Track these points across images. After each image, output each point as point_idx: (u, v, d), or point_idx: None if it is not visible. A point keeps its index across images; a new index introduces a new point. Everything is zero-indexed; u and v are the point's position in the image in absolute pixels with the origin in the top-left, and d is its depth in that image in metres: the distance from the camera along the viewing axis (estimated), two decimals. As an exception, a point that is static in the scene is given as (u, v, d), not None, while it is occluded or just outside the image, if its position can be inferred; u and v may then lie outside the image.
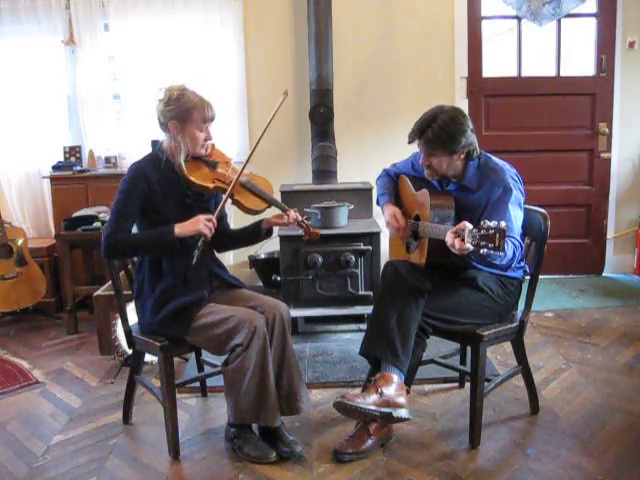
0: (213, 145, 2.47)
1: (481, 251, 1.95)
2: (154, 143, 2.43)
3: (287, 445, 2.33)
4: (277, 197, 3.63)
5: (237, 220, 2.57)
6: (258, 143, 2.39)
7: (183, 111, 2.32)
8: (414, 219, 2.55)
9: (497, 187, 2.34)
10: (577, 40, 4.60)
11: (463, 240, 2.00)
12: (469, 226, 2.00)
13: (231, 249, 2.74)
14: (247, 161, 2.40)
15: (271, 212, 2.50)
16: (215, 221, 2.32)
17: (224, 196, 2.37)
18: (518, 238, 2.28)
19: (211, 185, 2.39)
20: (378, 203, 2.79)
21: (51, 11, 4.24)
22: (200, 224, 2.28)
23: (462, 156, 2.40)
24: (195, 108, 2.32)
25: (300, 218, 2.50)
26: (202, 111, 2.34)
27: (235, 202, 2.43)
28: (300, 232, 2.57)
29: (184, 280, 2.39)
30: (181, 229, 2.28)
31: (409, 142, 2.44)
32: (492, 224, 1.94)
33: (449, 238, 2.06)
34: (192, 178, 2.35)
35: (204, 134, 2.38)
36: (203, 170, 2.41)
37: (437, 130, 2.31)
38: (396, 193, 2.74)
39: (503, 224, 1.94)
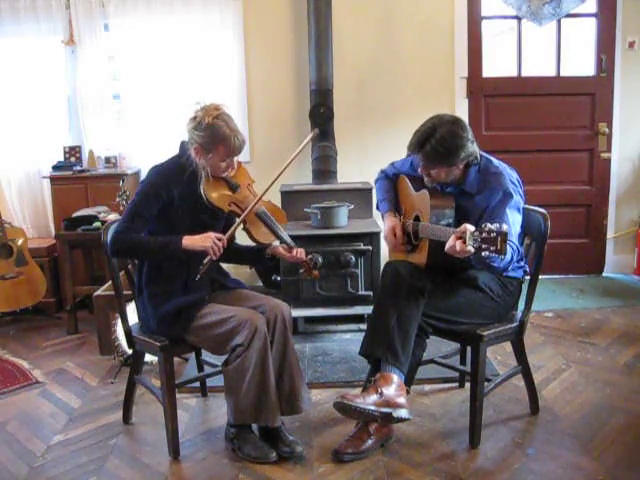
0: (239, 163, 2.45)
1: (482, 254, 1.95)
2: (182, 145, 2.40)
3: (287, 445, 2.33)
4: (277, 198, 3.67)
5: (240, 238, 2.58)
6: (279, 176, 2.38)
7: (210, 142, 2.28)
8: (414, 219, 2.55)
9: (497, 192, 2.33)
10: (577, 40, 4.60)
11: (465, 242, 2.00)
12: (470, 228, 2.01)
13: (232, 262, 2.74)
14: (265, 192, 2.37)
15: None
16: (225, 242, 2.30)
17: (237, 221, 2.36)
18: (516, 242, 2.29)
19: (227, 208, 2.38)
20: (378, 208, 2.79)
21: (51, 11, 4.24)
22: (209, 242, 2.26)
23: (461, 166, 2.39)
24: (223, 143, 2.27)
25: (305, 258, 2.49)
26: (229, 146, 2.27)
27: (245, 229, 2.42)
28: (301, 270, 2.57)
29: (184, 284, 2.39)
30: (189, 242, 2.26)
31: (409, 154, 2.43)
32: (494, 227, 1.94)
33: (451, 241, 2.06)
34: (209, 197, 2.34)
35: (225, 164, 2.34)
36: (222, 191, 2.38)
37: (436, 146, 2.29)
38: (395, 194, 2.74)
39: (505, 227, 1.94)
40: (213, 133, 2.27)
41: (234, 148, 2.30)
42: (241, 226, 2.40)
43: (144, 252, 2.34)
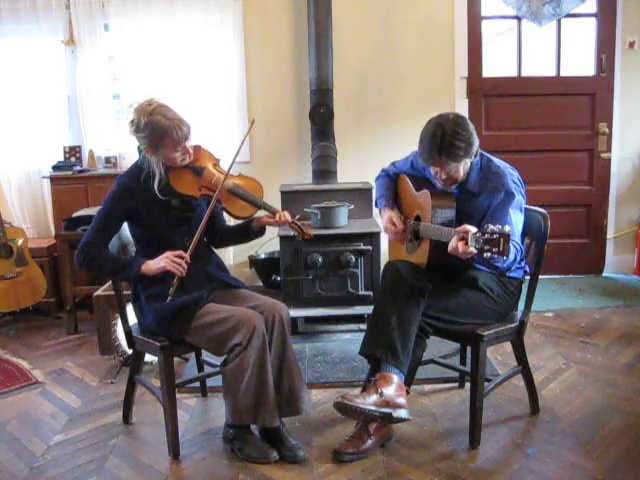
0: (199, 147, 2.43)
1: (485, 255, 1.95)
2: (140, 150, 2.40)
3: (289, 450, 2.33)
4: (277, 198, 3.67)
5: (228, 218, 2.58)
6: (237, 155, 2.39)
7: (154, 139, 2.28)
8: (415, 219, 2.55)
9: (499, 192, 2.33)
10: (577, 40, 4.60)
11: (467, 244, 2.00)
12: (472, 229, 2.01)
13: (227, 245, 2.76)
14: (230, 168, 2.37)
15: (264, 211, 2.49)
16: (188, 257, 2.29)
17: (208, 209, 2.34)
18: (519, 241, 2.29)
19: (197, 194, 2.37)
20: (376, 205, 2.79)
21: (51, 11, 4.24)
22: (164, 262, 2.28)
23: (473, 156, 2.38)
24: (165, 135, 2.26)
25: (290, 219, 2.47)
26: (172, 136, 2.26)
27: (223, 209, 2.42)
28: (293, 233, 2.55)
29: (181, 283, 2.38)
30: (147, 267, 2.30)
31: (427, 164, 2.38)
32: (496, 228, 1.94)
33: (454, 242, 2.06)
34: (177, 188, 2.34)
35: (180, 153, 2.33)
36: (188, 178, 2.37)
37: (453, 141, 2.25)
38: (396, 193, 2.74)
39: (507, 228, 1.94)
40: (153, 130, 2.27)
41: (178, 137, 2.28)
42: (219, 207, 2.40)
43: (104, 271, 2.40)
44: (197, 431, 2.60)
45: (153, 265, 2.30)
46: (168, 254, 2.29)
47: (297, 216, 2.54)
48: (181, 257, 2.29)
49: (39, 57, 4.37)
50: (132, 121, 2.31)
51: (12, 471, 2.32)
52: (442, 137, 2.26)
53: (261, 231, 2.57)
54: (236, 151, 2.40)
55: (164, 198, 2.33)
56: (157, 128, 2.26)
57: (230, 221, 2.67)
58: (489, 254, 1.95)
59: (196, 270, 2.39)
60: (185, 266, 2.29)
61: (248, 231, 2.57)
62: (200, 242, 2.39)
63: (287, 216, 2.46)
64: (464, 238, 2.02)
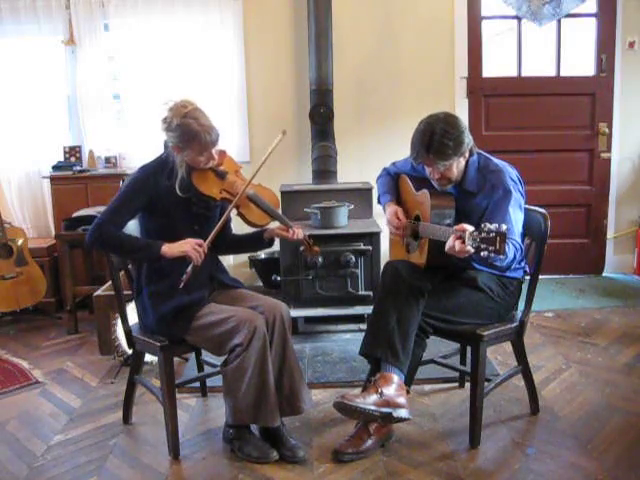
0: (224, 152, 2.46)
1: (481, 254, 1.96)
2: (165, 144, 2.43)
3: (289, 450, 2.33)
4: (277, 197, 3.66)
5: (238, 225, 2.58)
6: (262, 165, 2.39)
7: (183, 141, 2.30)
8: (414, 219, 2.55)
9: (497, 189, 2.33)
10: (577, 40, 4.60)
11: (464, 242, 2.00)
12: (470, 228, 2.01)
13: (232, 253, 2.77)
14: (254, 175, 2.40)
15: (275, 222, 2.52)
16: (206, 247, 2.31)
17: (226, 212, 2.38)
18: (518, 240, 2.28)
19: (218, 196, 2.40)
20: (379, 202, 2.79)
21: (51, 11, 4.24)
22: (188, 247, 2.28)
23: (467, 154, 2.39)
24: (195, 139, 2.28)
25: (303, 235, 2.51)
26: (201, 141, 2.28)
27: (239, 214, 2.44)
28: (301, 248, 2.57)
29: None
30: (168, 249, 2.29)
31: (417, 163, 2.42)
32: (492, 227, 1.94)
33: (451, 241, 2.06)
34: (199, 188, 2.37)
35: (205, 157, 2.35)
36: (211, 180, 2.41)
37: (442, 140, 2.28)
38: (396, 191, 2.74)
39: (504, 227, 1.94)
40: (184, 132, 2.28)
41: (207, 143, 2.30)
42: (235, 211, 2.42)
43: (123, 248, 2.36)
44: (197, 431, 2.60)
45: (175, 248, 2.29)
46: (190, 240, 2.31)
47: (307, 233, 2.60)
48: (200, 246, 2.30)
49: (39, 57, 4.37)
50: (165, 119, 2.32)
51: (12, 471, 2.32)
52: (431, 136, 2.29)
53: (271, 242, 2.61)
54: (262, 160, 2.41)
55: (183, 195, 2.35)
56: (188, 131, 2.28)
57: (233, 223, 2.67)
58: (486, 253, 1.95)
59: (199, 271, 2.39)
60: (203, 256, 2.30)
61: (259, 241, 2.60)
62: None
63: (301, 233, 2.50)
64: (461, 237, 2.03)
